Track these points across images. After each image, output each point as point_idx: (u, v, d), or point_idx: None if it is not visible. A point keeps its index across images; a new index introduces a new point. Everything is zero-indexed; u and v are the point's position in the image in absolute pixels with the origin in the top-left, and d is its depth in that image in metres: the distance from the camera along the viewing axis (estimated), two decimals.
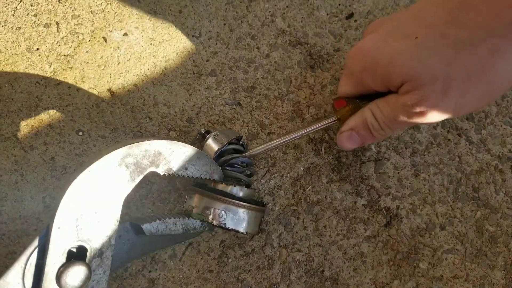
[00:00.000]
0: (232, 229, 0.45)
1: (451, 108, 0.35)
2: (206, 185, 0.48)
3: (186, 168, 0.42)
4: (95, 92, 0.58)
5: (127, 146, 0.36)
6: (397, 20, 0.39)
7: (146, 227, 0.37)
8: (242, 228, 0.45)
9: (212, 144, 0.47)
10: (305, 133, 0.49)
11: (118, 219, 0.36)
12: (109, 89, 0.58)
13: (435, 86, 0.34)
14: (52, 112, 0.57)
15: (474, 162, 0.58)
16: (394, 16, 0.41)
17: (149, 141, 0.38)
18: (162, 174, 0.40)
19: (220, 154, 0.48)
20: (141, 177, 0.37)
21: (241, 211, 0.45)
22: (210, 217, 0.44)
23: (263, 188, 0.56)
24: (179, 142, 0.42)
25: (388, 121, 0.40)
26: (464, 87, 0.34)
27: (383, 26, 0.40)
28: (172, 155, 0.40)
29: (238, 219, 0.45)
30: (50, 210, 0.54)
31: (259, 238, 0.54)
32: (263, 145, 0.50)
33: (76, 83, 0.58)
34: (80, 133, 0.56)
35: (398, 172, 0.57)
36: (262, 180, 0.56)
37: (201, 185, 0.48)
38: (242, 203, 0.45)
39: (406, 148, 0.58)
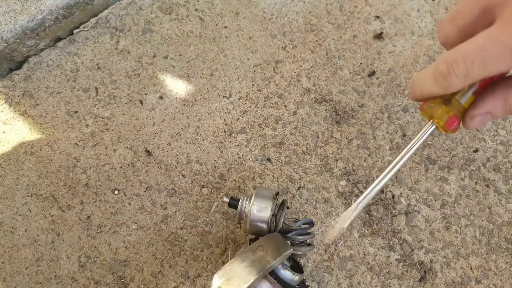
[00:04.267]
0: None
1: None
2: None
3: None
4: (131, 152, 0.60)
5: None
6: None
7: None
8: None
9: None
10: (407, 156, 0.32)
11: None
12: (144, 149, 0.60)
13: None
14: (89, 172, 0.59)
15: (504, 213, 0.58)
16: None
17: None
18: None
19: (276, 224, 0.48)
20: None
21: None
22: None
23: None
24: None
25: None
26: None
27: None
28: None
29: None
30: (85, 270, 0.54)
31: None
32: (355, 205, 0.32)
33: (112, 143, 0.60)
34: (116, 192, 0.58)
35: (429, 225, 0.57)
36: None
37: None
38: None
39: (435, 200, 0.58)
